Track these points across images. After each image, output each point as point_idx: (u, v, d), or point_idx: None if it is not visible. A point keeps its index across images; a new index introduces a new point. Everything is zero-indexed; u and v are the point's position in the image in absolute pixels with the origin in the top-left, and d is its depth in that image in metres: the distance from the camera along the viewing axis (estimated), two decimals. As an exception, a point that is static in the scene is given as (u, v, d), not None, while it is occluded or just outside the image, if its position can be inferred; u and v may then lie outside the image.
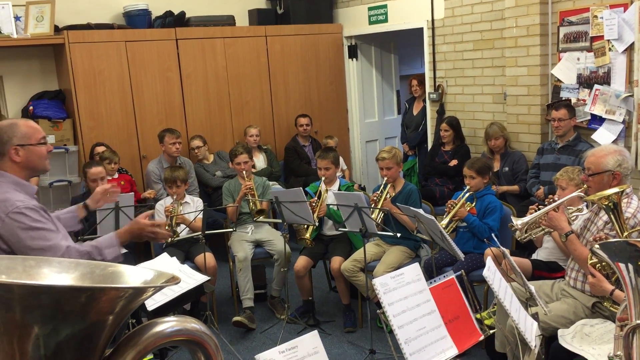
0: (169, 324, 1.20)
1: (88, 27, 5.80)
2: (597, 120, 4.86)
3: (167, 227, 4.40)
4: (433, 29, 6.11)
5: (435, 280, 2.22)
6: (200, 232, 4.23)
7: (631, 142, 4.56)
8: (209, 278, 3.00)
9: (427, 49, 6.23)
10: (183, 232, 4.48)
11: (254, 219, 4.72)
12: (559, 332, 3.03)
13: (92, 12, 6.03)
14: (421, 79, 6.49)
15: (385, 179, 4.32)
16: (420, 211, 3.54)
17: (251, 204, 4.74)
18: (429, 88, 6.30)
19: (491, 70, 5.65)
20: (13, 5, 5.46)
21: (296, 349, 1.87)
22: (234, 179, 5.07)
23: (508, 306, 2.30)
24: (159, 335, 1.18)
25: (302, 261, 4.50)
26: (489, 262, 2.45)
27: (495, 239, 2.76)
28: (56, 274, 1.21)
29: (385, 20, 6.65)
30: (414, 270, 2.17)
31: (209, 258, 4.34)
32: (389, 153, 4.33)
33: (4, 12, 5.37)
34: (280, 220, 4.36)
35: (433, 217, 3.42)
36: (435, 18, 6.07)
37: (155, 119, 6.10)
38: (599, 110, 4.82)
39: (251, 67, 6.60)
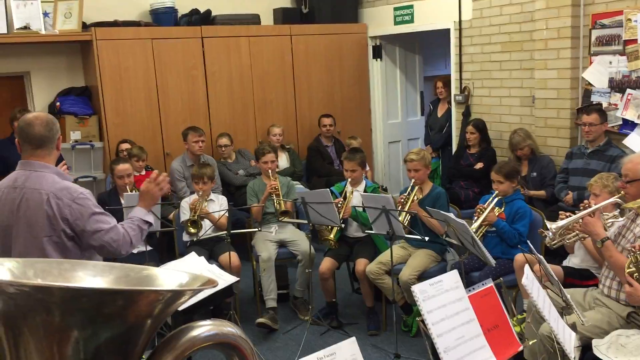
0: (205, 328, 1.19)
1: (115, 24, 5.82)
2: (629, 125, 4.77)
3: (189, 224, 4.44)
4: (460, 30, 6.04)
5: (473, 288, 2.17)
6: (225, 231, 4.21)
7: (664, 148, 4.47)
8: (238, 279, 2.98)
9: (453, 50, 6.16)
10: (208, 230, 4.47)
11: (279, 219, 4.70)
12: (594, 342, 2.96)
13: (119, 9, 6.05)
14: (446, 81, 6.42)
15: (413, 180, 4.27)
16: (451, 215, 3.49)
17: (276, 203, 4.71)
18: (454, 90, 6.24)
19: (519, 72, 5.57)
20: (42, 2, 5.48)
21: (334, 356, 1.84)
22: (258, 179, 5.05)
23: (547, 316, 2.25)
24: (195, 339, 1.18)
25: (327, 263, 4.47)
26: (527, 270, 2.39)
27: (530, 244, 2.70)
28: (91, 277, 1.20)
29: (412, 21, 6.59)
30: (453, 277, 2.12)
31: (233, 257, 4.32)
32: (417, 155, 4.29)
33: (33, 8, 5.40)
34: (305, 221, 4.33)
35: (464, 222, 3.37)
36: (462, 19, 6.00)
37: (180, 116, 6.10)
38: (631, 115, 4.73)
39: (275, 66, 6.58)
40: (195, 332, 1.20)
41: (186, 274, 1.22)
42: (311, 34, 6.74)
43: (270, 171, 4.82)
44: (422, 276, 4.15)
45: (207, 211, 4.52)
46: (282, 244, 4.75)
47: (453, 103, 6.28)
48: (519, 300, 4.05)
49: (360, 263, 4.35)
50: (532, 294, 2.25)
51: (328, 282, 4.51)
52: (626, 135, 4.79)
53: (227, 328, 1.24)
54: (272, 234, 4.77)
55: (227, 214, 4.36)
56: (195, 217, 4.46)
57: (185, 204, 4.67)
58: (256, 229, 4.50)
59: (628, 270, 2.82)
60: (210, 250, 4.60)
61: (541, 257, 2.63)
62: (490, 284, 2.21)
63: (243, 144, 6.38)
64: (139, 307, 1.05)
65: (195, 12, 6.25)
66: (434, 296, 2.03)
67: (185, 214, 4.61)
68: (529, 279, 2.31)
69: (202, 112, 6.25)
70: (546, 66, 5.20)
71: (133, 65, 5.83)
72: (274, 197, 4.72)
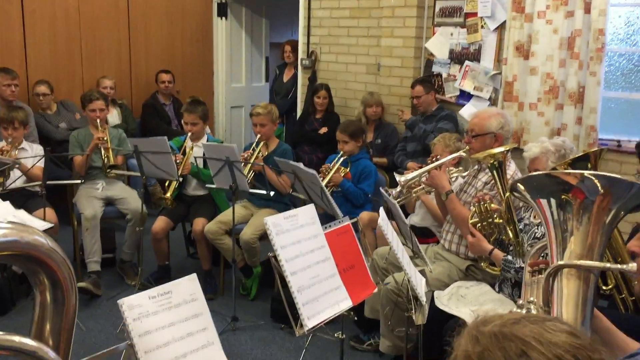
0: (-3, 232, 0.83)
1: None
2: (466, 96, 4.95)
3: None
4: (310, -8, 5.89)
5: (330, 226, 1.97)
6: (39, 182, 3.61)
7: (496, 118, 4.68)
8: (51, 225, 2.51)
9: (302, 12, 5.99)
10: (17, 181, 3.81)
11: (106, 174, 4.18)
12: (435, 294, 2.95)
13: None
14: (295, 45, 6.24)
15: (259, 136, 4.02)
16: (300, 165, 3.30)
17: (104, 157, 4.18)
18: (301, 54, 6.08)
19: (366, 39, 5.55)
20: None
21: (170, 295, 1.53)
22: (84, 129, 4.46)
23: (401, 258, 2.13)
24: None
25: (160, 222, 4.07)
26: (382, 212, 2.26)
27: (383, 190, 2.59)
28: None
29: (260, -21, 6.31)
30: (309, 212, 1.91)
31: (49, 214, 3.73)
32: (264, 109, 4.04)
33: None
34: (138, 174, 3.87)
35: (314, 172, 3.19)
36: (312, -19, 5.85)
37: (-12, 57, 5.22)
38: (468, 86, 4.92)
39: (108, 12, 5.92)
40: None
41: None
42: (150, -19, 6.17)
43: (98, 120, 4.26)
44: (265, 236, 3.94)
45: (16, 158, 3.85)
46: (109, 202, 4.23)
47: (300, 67, 6.13)
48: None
49: (198, 222, 4.02)
50: (387, 235, 2.12)
51: (161, 244, 4.12)
52: (462, 105, 4.97)
53: (34, 236, 0.89)
54: (99, 190, 4.23)
55: (42, 164, 3.75)
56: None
57: (-10, 151, 3.96)
58: (78, 181, 3.93)
59: (471, 221, 2.84)
60: (20, 206, 3.92)
61: (394, 202, 2.53)
62: (347, 221, 2.03)
63: (67, 95, 5.66)
64: None
65: (11, -64, 5.36)
66: (288, 231, 1.79)
67: (-11, 163, 3.89)
68: (384, 221, 2.18)
69: (17, 54, 5.41)
70: (392, 34, 5.23)
71: None
72: (102, 150, 4.18)
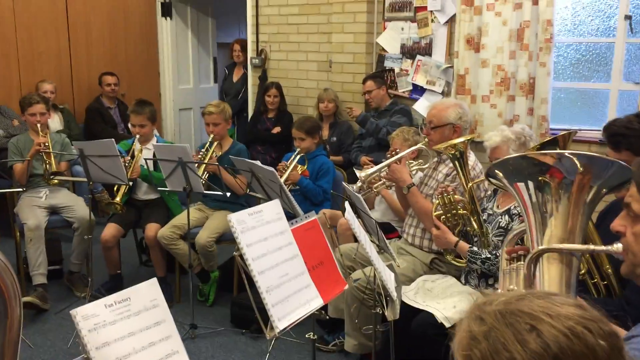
0: None
1: None
2: (419, 90, 4.94)
3: None
4: (257, -11, 5.77)
5: (296, 221, 1.88)
6: (-23, 192, 3.38)
7: (450, 112, 4.69)
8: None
9: (250, 10, 5.87)
10: (-47, 192, 3.56)
11: (49, 182, 3.95)
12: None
13: None
14: (244, 44, 6.11)
15: (212, 136, 3.88)
16: (257, 163, 3.18)
17: (46, 164, 3.95)
18: (251, 52, 5.95)
19: (317, 36, 5.48)
20: None
21: (128, 302, 1.40)
22: (23, 135, 4.21)
23: (370, 252, 2.05)
24: None
25: (110, 229, 3.87)
26: (348, 206, 2.18)
27: (344, 185, 2.51)
28: None
29: (205, -23, 6.15)
30: (274, 207, 1.80)
31: (-12, 225, 3.50)
32: (217, 107, 3.90)
33: None
34: (83, 179, 3.67)
35: (272, 169, 3.08)
36: (259, -22, 5.74)
37: None
38: (420, 80, 4.91)
39: (46, 13, 5.65)
40: None
41: None
42: (90, -19, 5.92)
43: (39, 125, 4.03)
44: (221, 239, 3.82)
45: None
46: (54, 211, 4.00)
47: (249, 66, 6.00)
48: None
49: (151, 228, 3.85)
50: (355, 228, 2.04)
51: (112, 252, 3.92)
52: (416, 100, 4.95)
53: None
54: (42, 198, 4.00)
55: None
56: None
57: None
58: (20, 189, 3.70)
59: (435, 213, 2.80)
60: (-44, 219, 3.68)
61: (358, 195, 2.45)
62: (314, 216, 1.93)
63: (3, 101, 5.35)
64: None
65: None
66: (254, 228, 1.69)
67: None
68: (350, 215, 2.09)
69: (-53, 58, 5.10)
70: (343, 30, 5.17)
71: None
72: (44, 156, 3.95)
